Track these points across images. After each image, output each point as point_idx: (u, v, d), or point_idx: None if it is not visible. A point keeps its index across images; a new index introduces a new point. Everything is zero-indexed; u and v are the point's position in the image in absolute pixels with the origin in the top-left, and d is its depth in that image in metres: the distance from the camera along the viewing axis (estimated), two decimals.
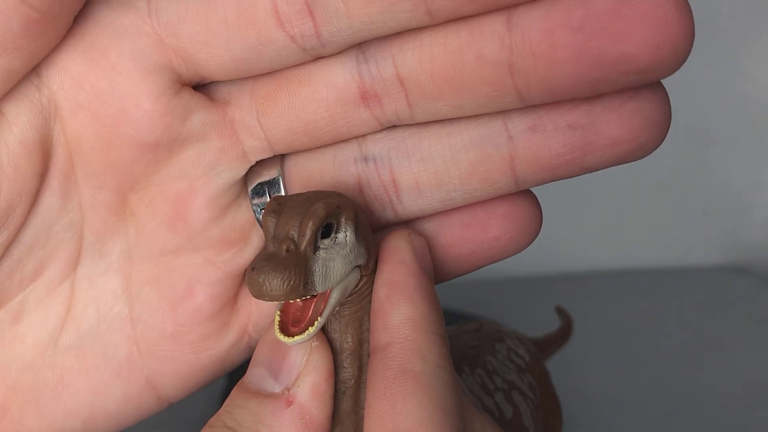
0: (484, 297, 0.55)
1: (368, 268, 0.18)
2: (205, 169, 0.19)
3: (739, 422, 0.41)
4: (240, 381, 0.18)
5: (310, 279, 0.16)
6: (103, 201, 0.18)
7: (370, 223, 0.19)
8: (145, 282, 0.19)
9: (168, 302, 0.20)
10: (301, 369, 0.17)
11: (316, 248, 0.17)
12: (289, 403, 0.17)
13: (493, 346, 0.25)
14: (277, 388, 0.17)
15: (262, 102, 0.18)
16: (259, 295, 0.16)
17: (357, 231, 0.17)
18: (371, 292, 0.18)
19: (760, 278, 0.61)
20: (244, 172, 0.19)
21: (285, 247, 0.16)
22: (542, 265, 0.62)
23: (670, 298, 0.57)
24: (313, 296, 0.17)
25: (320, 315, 0.17)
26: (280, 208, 0.17)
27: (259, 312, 0.21)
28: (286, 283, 0.16)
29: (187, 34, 0.17)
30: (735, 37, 0.59)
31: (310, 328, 0.17)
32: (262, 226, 0.18)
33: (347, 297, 0.18)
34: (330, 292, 0.17)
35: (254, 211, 0.20)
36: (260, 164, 0.20)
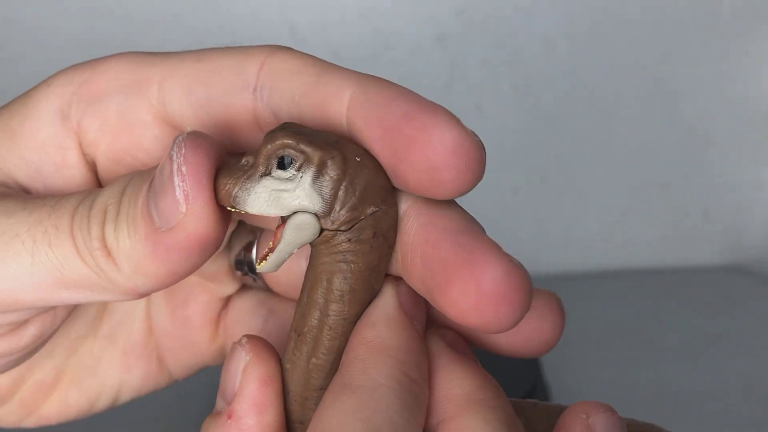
0: None
1: (331, 223, 0.18)
2: None
3: (738, 422, 0.41)
4: None
5: (242, 195, 0.17)
6: None
7: None
8: None
9: (170, 308, 0.24)
10: (239, 383, 0.18)
11: (265, 173, 0.18)
12: (229, 416, 0.18)
13: None
14: (222, 405, 0.19)
15: None
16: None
17: (317, 180, 0.18)
18: (347, 255, 0.18)
19: (760, 278, 0.61)
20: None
21: (244, 161, 0.18)
22: (542, 265, 0.62)
23: (670, 298, 0.57)
24: (243, 212, 0.18)
25: (275, 248, 0.18)
26: (277, 130, 0.18)
27: (238, 332, 0.24)
28: (222, 188, 0.17)
29: None
30: (735, 37, 0.59)
31: (269, 255, 0.18)
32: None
33: (313, 243, 0.19)
34: (283, 227, 0.18)
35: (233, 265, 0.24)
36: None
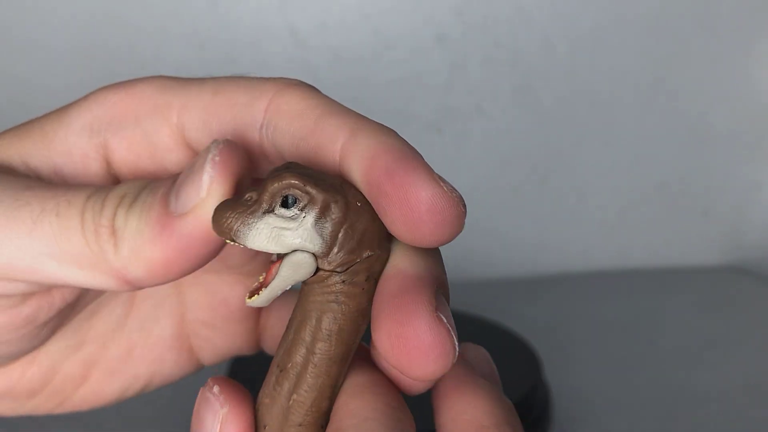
0: (484, 297, 0.55)
1: (328, 263, 0.19)
2: None
3: (738, 422, 0.41)
4: None
5: (243, 229, 0.18)
6: None
7: None
8: (191, 285, 0.26)
9: (209, 304, 0.25)
10: None
11: (269, 210, 0.18)
12: None
13: None
14: None
15: None
16: (211, 224, 0.18)
17: (319, 221, 0.18)
18: (339, 296, 0.19)
19: (760, 278, 0.61)
20: None
21: (247, 196, 0.18)
22: (542, 265, 0.62)
23: (670, 298, 0.57)
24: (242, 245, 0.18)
25: (269, 283, 0.19)
26: (281, 169, 0.18)
27: (274, 325, 0.26)
28: (224, 221, 0.18)
29: None
30: (735, 37, 0.59)
31: (261, 290, 0.19)
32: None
33: (306, 281, 0.19)
34: (279, 264, 0.19)
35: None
36: None
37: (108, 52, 0.55)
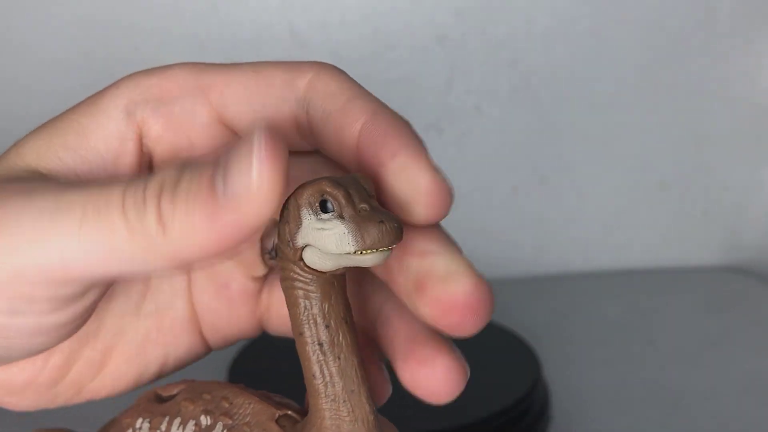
0: None
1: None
2: None
3: (738, 422, 0.41)
4: None
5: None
6: None
7: None
8: (195, 269, 0.27)
9: (214, 288, 0.26)
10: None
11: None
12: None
13: None
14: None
15: None
16: (393, 241, 0.19)
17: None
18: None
19: (760, 278, 0.61)
20: None
21: (372, 204, 0.19)
22: (542, 265, 0.62)
23: (670, 298, 0.57)
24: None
25: None
26: (341, 183, 0.19)
27: (276, 308, 0.26)
28: (400, 227, 0.19)
29: None
30: (735, 37, 0.59)
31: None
32: (329, 195, 0.20)
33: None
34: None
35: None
36: None
37: (108, 52, 0.55)
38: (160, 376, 0.26)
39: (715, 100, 0.60)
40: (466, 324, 0.20)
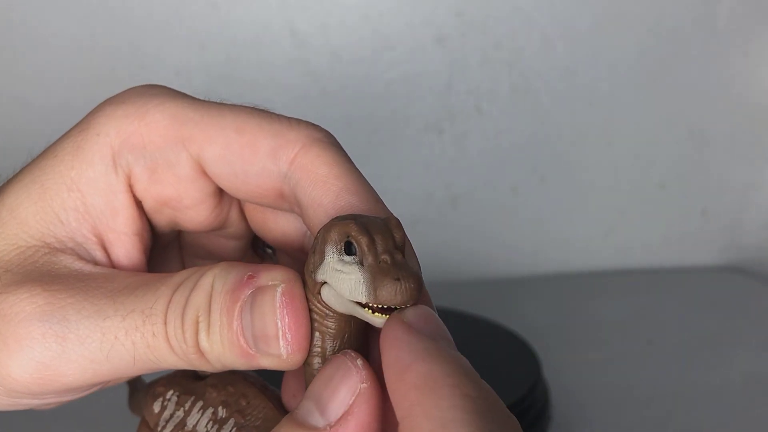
0: (484, 297, 0.55)
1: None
2: None
3: (738, 421, 0.41)
4: (291, 412, 0.20)
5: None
6: None
7: None
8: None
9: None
10: (348, 408, 0.19)
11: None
12: None
13: None
14: (321, 423, 0.19)
15: None
16: (407, 301, 0.18)
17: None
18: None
19: (759, 278, 0.61)
20: None
21: (395, 257, 0.18)
22: (542, 265, 0.62)
23: (669, 298, 0.57)
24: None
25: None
26: (368, 228, 0.19)
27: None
28: (418, 288, 0.18)
29: None
30: (734, 37, 0.59)
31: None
32: (353, 239, 0.19)
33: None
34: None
35: None
36: None
37: (109, 52, 0.55)
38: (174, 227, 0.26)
39: (715, 100, 0.60)
40: None
